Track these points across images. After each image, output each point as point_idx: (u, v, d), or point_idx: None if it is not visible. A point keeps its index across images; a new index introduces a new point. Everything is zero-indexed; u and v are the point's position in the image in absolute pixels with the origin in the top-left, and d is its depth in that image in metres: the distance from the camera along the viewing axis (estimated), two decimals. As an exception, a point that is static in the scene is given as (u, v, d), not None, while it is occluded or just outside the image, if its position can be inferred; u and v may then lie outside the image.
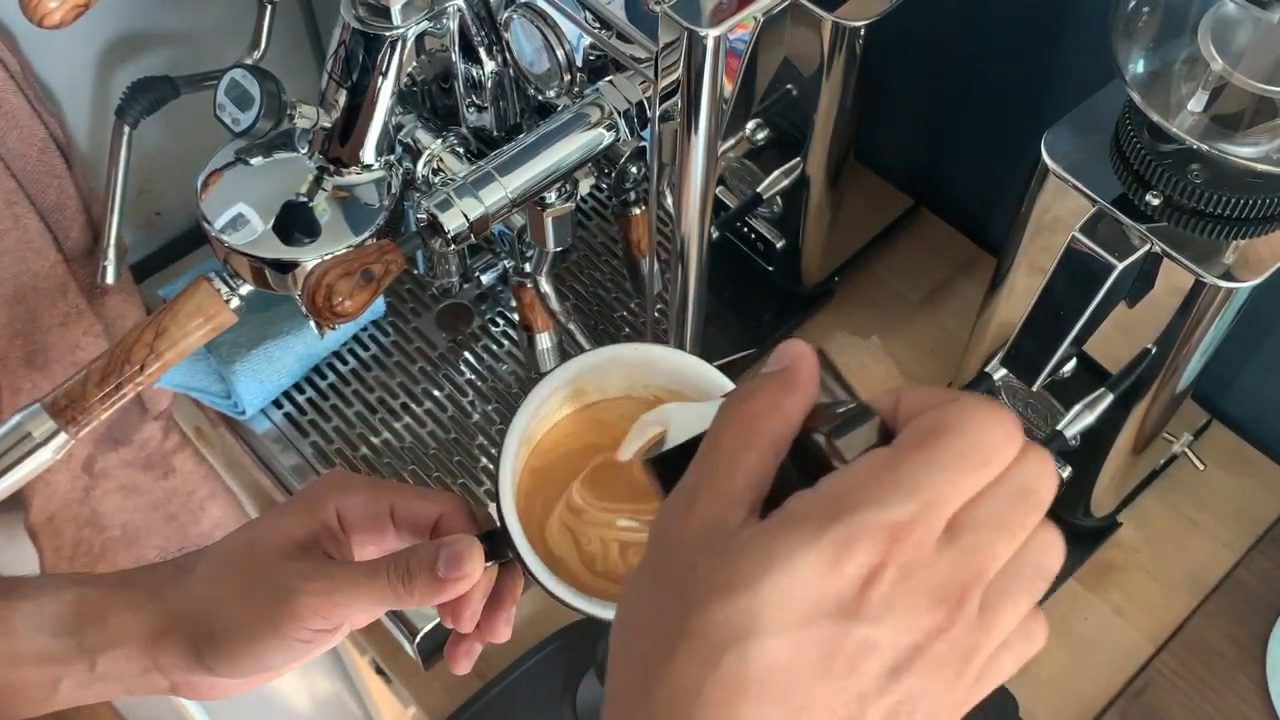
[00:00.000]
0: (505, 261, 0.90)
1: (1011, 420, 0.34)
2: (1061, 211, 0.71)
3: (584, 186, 0.78)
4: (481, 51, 0.75)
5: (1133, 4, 0.67)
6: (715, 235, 0.80)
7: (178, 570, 0.55)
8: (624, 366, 0.52)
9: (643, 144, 0.71)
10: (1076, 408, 0.79)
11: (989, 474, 0.34)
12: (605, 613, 0.48)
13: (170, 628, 0.53)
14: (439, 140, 0.76)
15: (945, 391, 0.35)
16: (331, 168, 0.75)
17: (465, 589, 0.50)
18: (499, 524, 0.50)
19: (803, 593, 0.32)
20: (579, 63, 0.71)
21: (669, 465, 0.39)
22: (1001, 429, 0.34)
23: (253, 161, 0.75)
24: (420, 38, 0.73)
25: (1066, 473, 0.85)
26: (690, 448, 0.37)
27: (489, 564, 0.51)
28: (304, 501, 0.55)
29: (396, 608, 0.51)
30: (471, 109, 0.78)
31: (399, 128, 0.76)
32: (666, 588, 0.35)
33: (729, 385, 0.51)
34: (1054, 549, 0.35)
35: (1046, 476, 0.35)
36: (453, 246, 0.66)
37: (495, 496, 0.50)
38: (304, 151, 0.75)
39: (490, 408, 0.96)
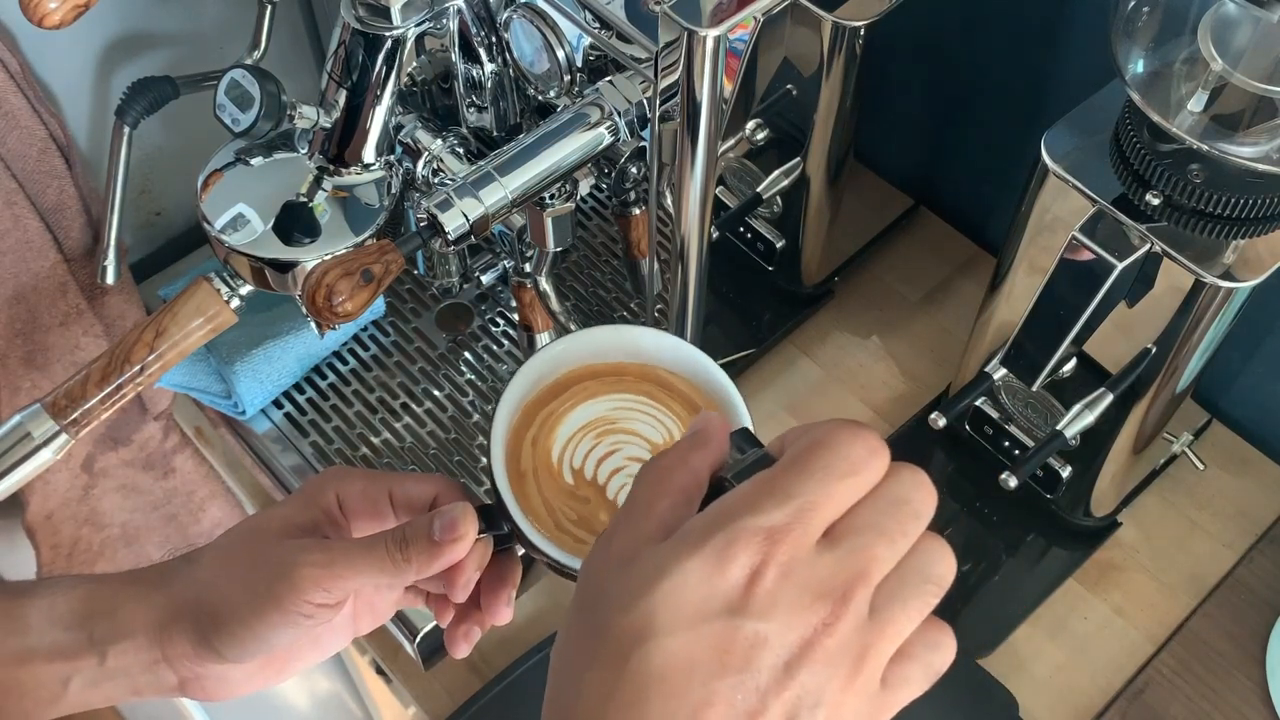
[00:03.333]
0: (505, 261, 0.90)
1: (873, 435, 0.38)
2: (1061, 211, 0.71)
3: (584, 186, 0.78)
4: (481, 52, 0.75)
5: (1133, 4, 0.67)
6: (715, 235, 0.80)
7: (184, 562, 0.55)
8: (604, 345, 0.56)
9: (643, 144, 0.71)
10: (1076, 407, 0.79)
11: (858, 483, 0.37)
12: None
13: (177, 615, 0.53)
14: (439, 140, 0.76)
15: (821, 423, 0.39)
16: (331, 168, 0.75)
17: (460, 553, 0.51)
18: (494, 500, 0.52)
19: (692, 594, 0.35)
20: (579, 63, 0.71)
21: None
22: (863, 443, 0.37)
23: (253, 161, 0.75)
24: (420, 38, 0.73)
25: (1067, 472, 0.85)
26: None
27: (483, 535, 0.51)
28: (304, 492, 0.56)
29: (395, 578, 0.51)
30: (471, 109, 0.78)
31: (399, 128, 0.76)
32: (586, 610, 0.39)
33: (692, 352, 0.54)
34: (941, 558, 0.38)
35: (920, 489, 0.38)
36: (453, 246, 0.66)
37: (489, 473, 0.52)
38: (304, 151, 0.75)
39: (490, 408, 0.96)
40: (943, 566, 0.38)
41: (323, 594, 0.50)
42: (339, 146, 0.74)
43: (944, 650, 0.38)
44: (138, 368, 0.68)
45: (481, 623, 0.56)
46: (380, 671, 0.90)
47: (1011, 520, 0.91)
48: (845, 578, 0.36)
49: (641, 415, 0.54)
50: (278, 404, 0.97)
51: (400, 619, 0.85)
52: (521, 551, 0.55)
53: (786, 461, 0.38)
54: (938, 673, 0.38)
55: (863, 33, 0.77)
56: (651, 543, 0.38)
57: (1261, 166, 0.64)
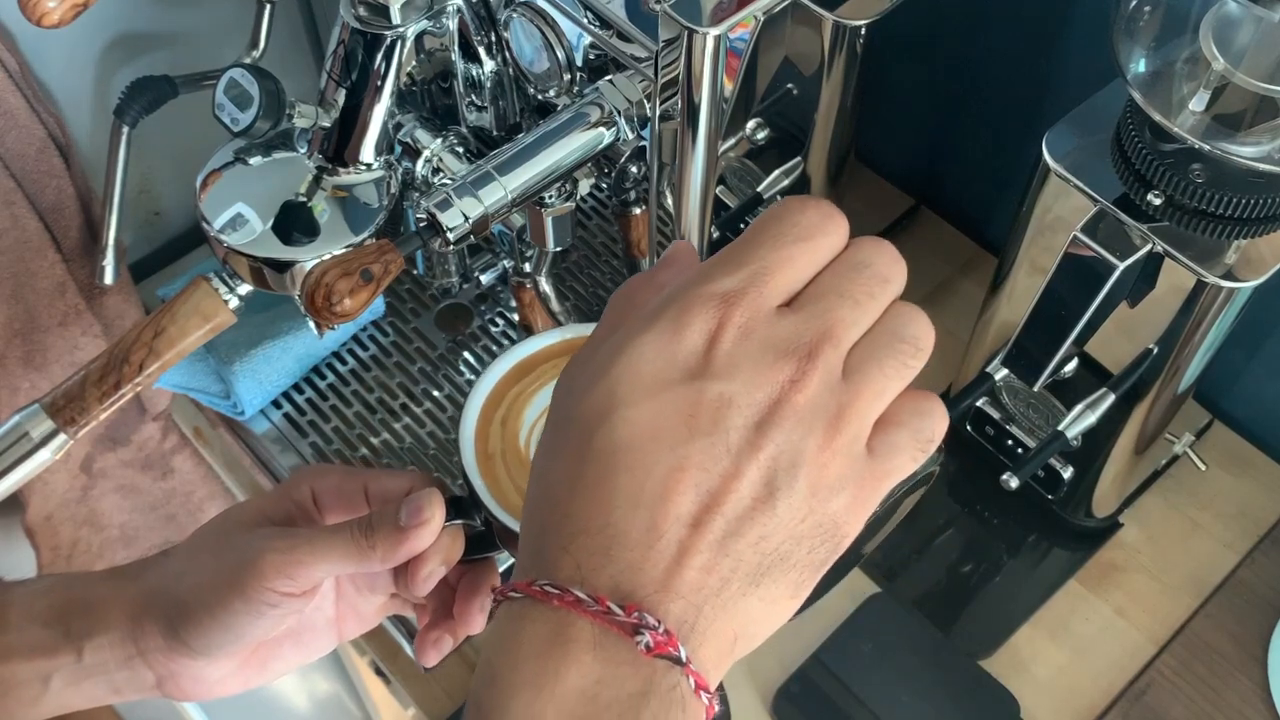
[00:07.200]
0: (505, 261, 0.90)
1: (827, 203, 0.37)
2: (1063, 211, 0.71)
3: (584, 186, 0.78)
4: (481, 51, 0.74)
5: (1134, 3, 0.67)
6: (715, 235, 0.80)
7: (160, 555, 0.55)
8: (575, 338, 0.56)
9: (643, 144, 0.70)
10: (1078, 408, 0.79)
11: (813, 248, 0.37)
12: None
13: (149, 606, 0.53)
14: (438, 140, 0.76)
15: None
16: (331, 167, 0.75)
17: (426, 539, 0.49)
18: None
19: (651, 365, 0.35)
20: (579, 62, 0.71)
21: None
22: (815, 208, 0.37)
23: (252, 161, 0.75)
24: (420, 37, 0.72)
25: (1068, 473, 0.85)
26: None
27: (451, 523, 0.51)
28: (280, 487, 0.56)
29: (361, 564, 0.50)
30: (471, 109, 0.78)
31: (398, 127, 0.76)
32: (555, 410, 0.38)
33: None
34: (914, 319, 0.37)
35: (883, 254, 0.37)
36: (452, 246, 0.66)
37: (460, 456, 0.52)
38: (303, 151, 0.75)
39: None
40: (917, 327, 0.37)
41: (286, 581, 0.50)
42: (338, 146, 0.74)
43: (933, 417, 0.37)
44: (136, 368, 0.68)
45: (454, 631, 0.55)
46: (379, 673, 0.90)
47: (1013, 521, 0.91)
48: (810, 337, 0.35)
49: None
50: (277, 404, 0.96)
51: (400, 619, 0.85)
52: (505, 560, 0.55)
53: (739, 238, 0.37)
54: (929, 441, 0.37)
55: (864, 32, 0.77)
56: None
57: (1263, 166, 0.63)
